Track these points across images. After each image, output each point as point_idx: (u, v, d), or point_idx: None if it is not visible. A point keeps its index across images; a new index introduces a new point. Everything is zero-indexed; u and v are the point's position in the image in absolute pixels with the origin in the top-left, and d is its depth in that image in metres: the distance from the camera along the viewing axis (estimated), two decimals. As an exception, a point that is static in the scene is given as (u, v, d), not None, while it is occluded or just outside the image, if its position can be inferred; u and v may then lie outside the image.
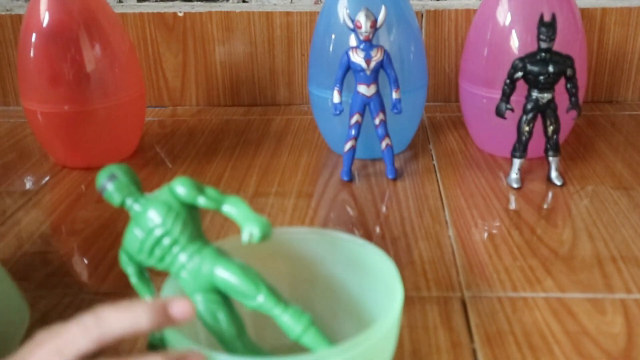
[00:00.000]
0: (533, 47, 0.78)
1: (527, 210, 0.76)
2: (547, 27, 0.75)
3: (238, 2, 1.18)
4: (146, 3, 1.19)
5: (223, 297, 0.45)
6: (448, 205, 0.78)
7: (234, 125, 1.06)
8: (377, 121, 0.82)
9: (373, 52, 0.79)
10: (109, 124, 0.88)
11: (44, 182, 0.88)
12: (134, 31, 1.13)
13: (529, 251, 0.68)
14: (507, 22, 0.86)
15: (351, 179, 0.85)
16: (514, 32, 0.85)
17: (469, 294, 0.61)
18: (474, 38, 0.91)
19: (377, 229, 0.73)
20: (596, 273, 0.63)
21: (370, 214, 0.76)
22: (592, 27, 1.10)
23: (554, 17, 0.76)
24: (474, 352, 0.53)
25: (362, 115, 0.82)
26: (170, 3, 1.18)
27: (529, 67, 0.77)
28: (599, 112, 1.09)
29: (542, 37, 0.76)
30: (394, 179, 0.84)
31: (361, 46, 0.79)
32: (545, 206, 0.78)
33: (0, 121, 1.12)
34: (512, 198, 0.79)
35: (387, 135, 0.83)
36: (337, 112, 0.81)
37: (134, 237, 0.45)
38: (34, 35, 0.84)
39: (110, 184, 0.46)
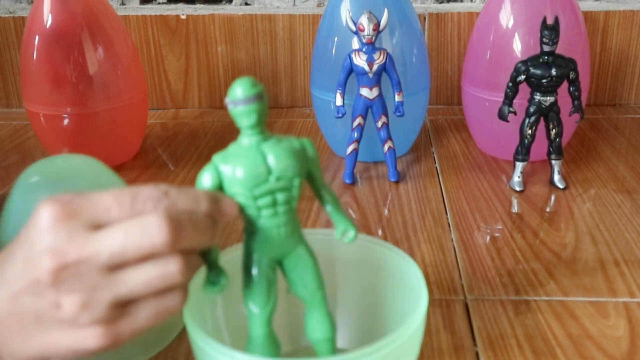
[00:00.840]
0: (536, 50, 0.78)
1: (529, 213, 0.76)
2: (550, 31, 0.75)
3: (241, 4, 1.18)
4: (149, 6, 1.19)
5: (276, 274, 0.44)
6: (450, 208, 0.78)
7: (236, 127, 1.05)
8: (379, 124, 0.82)
9: (376, 55, 0.79)
10: (112, 126, 0.88)
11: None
12: (136, 34, 1.14)
13: (532, 254, 0.67)
14: (510, 25, 0.86)
15: (353, 182, 0.85)
16: (516, 35, 0.85)
17: (471, 297, 0.61)
18: (476, 41, 0.91)
19: (380, 232, 0.73)
20: (599, 276, 0.63)
21: (372, 217, 0.76)
22: (595, 30, 1.10)
23: (556, 20, 0.76)
24: (476, 355, 0.53)
25: (364, 118, 0.82)
26: (173, 6, 1.18)
27: (532, 70, 0.77)
28: (602, 115, 1.09)
29: (545, 40, 0.76)
30: (397, 182, 0.84)
31: (364, 49, 0.79)
32: (548, 209, 0.77)
33: (2, 123, 1.12)
34: (515, 201, 0.79)
35: (389, 138, 0.83)
36: (340, 115, 0.81)
37: (253, 168, 0.40)
38: (36, 38, 0.84)
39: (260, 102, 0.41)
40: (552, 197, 0.80)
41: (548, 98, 0.78)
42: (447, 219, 0.75)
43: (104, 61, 0.86)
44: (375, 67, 0.79)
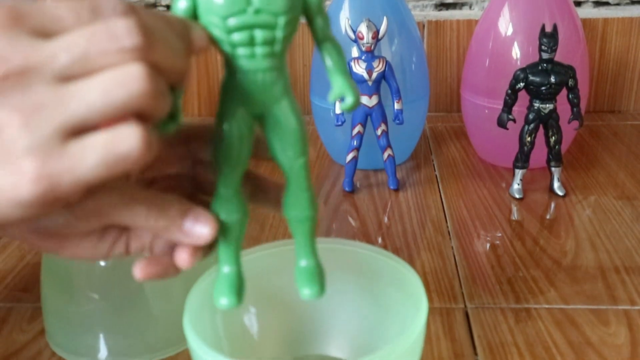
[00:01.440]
0: (535, 58, 0.78)
1: (529, 220, 0.76)
2: (549, 38, 0.75)
3: None
4: None
5: (252, 133, 0.38)
6: (450, 215, 0.78)
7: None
8: (379, 132, 0.82)
9: (375, 63, 0.79)
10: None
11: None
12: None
13: (532, 262, 0.67)
14: (509, 33, 0.86)
15: (353, 190, 0.85)
16: (515, 43, 0.85)
17: (471, 305, 0.61)
18: (475, 48, 0.91)
19: (380, 240, 0.73)
20: (600, 284, 0.63)
21: (372, 225, 0.76)
22: (593, 37, 1.10)
23: (555, 28, 0.76)
24: (477, 364, 0.53)
25: (364, 126, 0.82)
26: None
27: (531, 77, 0.77)
28: (601, 122, 1.09)
29: (543, 47, 0.76)
30: (396, 190, 0.84)
31: (363, 57, 0.80)
32: (547, 216, 0.77)
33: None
34: (515, 208, 0.79)
35: (389, 145, 0.83)
36: (339, 123, 0.81)
37: None
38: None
39: None
40: (552, 204, 0.80)
41: (547, 105, 0.78)
42: (447, 226, 0.75)
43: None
44: (374, 75, 0.79)
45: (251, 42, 0.35)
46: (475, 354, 0.54)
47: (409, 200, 0.82)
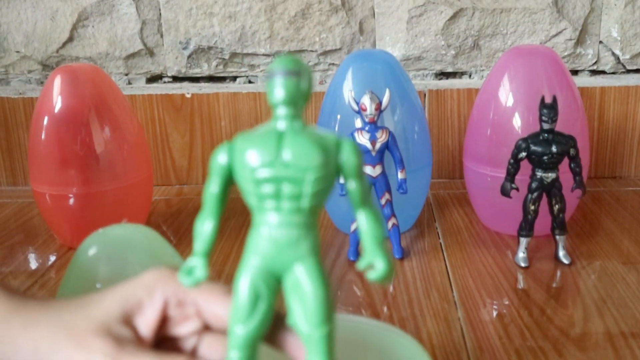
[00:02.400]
0: (535, 127, 0.79)
1: (535, 289, 0.76)
2: (549, 109, 0.77)
3: (244, 83, 1.21)
4: (155, 85, 1.22)
5: (274, 294, 0.36)
6: (456, 284, 0.78)
7: (239, 204, 1.06)
8: (383, 201, 0.83)
9: (378, 134, 0.80)
10: (117, 205, 0.89)
11: (50, 263, 0.88)
12: (142, 112, 1.16)
13: (539, 332, 0.67)
14: (509, 103, 0.87)
15: (357, 259, 0.85)
16: (516, 113, 0.87)
17: (480, 378, 0.60)
18: (476, 118, 0.92)
19: (385, 310, 0.72)
20: (609, 353, 0.63)
21: (377, 295, 0.76)
22: (592, 105, 1.12)
23: (555, 99, 0.77)
24: None
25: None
26: (179, 84, 1.21)
27: (533, 147, 0.78)
28: (603, 188, 1.10)
29: (544, 118, 0.77)
30: (401, 259, 0.84)
31: (366, 128, 0.81)
32: (554, 285, 0.77)
33: (8, 202, 1.13)
34: (520, 277, 0.79)
35: (393, 214, 0.83)
36: (343, 193, 0.82)
37: (262, 146, 0.35)
38: (45, 119, 0.86)
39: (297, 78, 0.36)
40: (558, 273, 0.80)
41: (550, 174, 0.79)
42: (453, 296, 0.75)
43: (110, 141, 0.87)
44: (378, 145, 0.80)
45: (278, 196, 0.35)
46: None
47: (414, 269, 0.82)
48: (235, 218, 1.00)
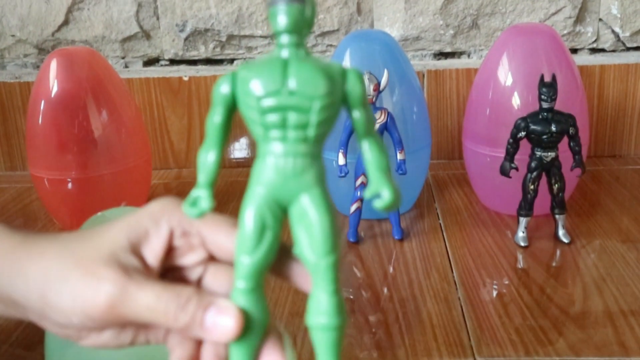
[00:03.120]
0: (535, 106, 0.79)
1: (535, 268, 0.76)
2: (548, 88, 0.76)
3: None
4: (152, 68, 1.21)
5: (279, 223, 0.36)
6: (456, 265, 0.78)
7: (239, 187, 1.06)
8: (382, 182, 0.83)
9: (377, 115, 0.80)
10: (116, 189, 0.89)
11: (50, 248, 0.88)
12: (139, 96, 1.15)
13: (540, 311, 0.67)
14: (508, 82, 0.87)
15: (358, 240, 0.85)
16: (515, 92, 0.86)
17: (480, 357, 0.60)
18: (475, 98, 0.92)
19: (385, 290, 0.73)
20: (609, 331, 0.63)
21: (377, 276, 0.76)
22: (591, 83, 1.12)
23: (554, 78, 0.77)
24: (488, 418, 0.52)
25: (367, 176, 0.83)
26: (176, 67, 1.20)
27: (532, 126, 0.77)
28: (603, 167, 1.10)
29: (543, 97, 0.77)
30: (401, 240, 0.84)
31: (365, 109, 0.80)
32: (553, 264, 0.77)
33: (7, 187, 1.13)
34: (520, 257, 0.79)
35: (392, 195, 0.83)
36: (343, 174, 0.82)
37: (267, 74, 0.34)
38: (42, 103, 0.85)
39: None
40: (558, 252, 0.80)
41: (549, 153, 0.78)
42: (453, 276, 0.75)
43: (108, 125, 0.87)
44: (376, 126, 0.80)
45: (283, 125, 0.34)
46: (487, 408, 0.53)
47: (413, 250, 0.82)
48: (235, 201, 1.00)
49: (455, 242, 0.83)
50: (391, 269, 0.77)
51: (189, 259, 0.39)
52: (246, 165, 1.17)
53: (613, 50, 1.18)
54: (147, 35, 1.20)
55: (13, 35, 1.21)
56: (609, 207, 0.93)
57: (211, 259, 0.40)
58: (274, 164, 0.35)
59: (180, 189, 1.08)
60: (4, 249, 0.39)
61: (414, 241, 0.84)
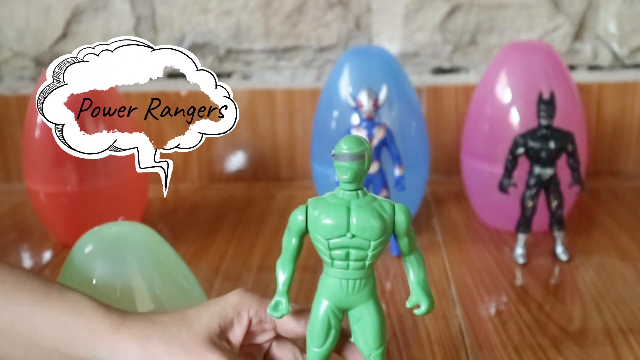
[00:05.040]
0: (533, 123, 0.79)
1: (534, 286, 0.75)
2: (547, 105, 0.76)
3: (240, 79, 1.20)
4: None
5: (340, 322, 0.47)
6: (454, 281, 0.77)
7: (235, 201, 1.06)
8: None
9: (375, 130, 0.80)
10: (112, 203, 0.88)
11: (45, 261, 0.87)
12: (137, 109, 1.15)
13: (538, 329, 0.66)
14: (507, 99, 0.87)
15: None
16: (513, 109, 0.86)
17: (479, 376, 0.59)
18: (474, 114, 0.92)
19: (384, 307, 0.72)
20: (608, 349, 0.62)
21: (375, 292, 0.75)
22: (589, 100, 1.12)
23: (552, 95, 0.77)
24: None
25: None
26: (174, 81, 1.20)
27: (530, 143, 0.77)
28: (601, 184, 1.10)
29: (542, 114, 0.77)
30: (399, 256, 0.84)
31: (363, 124, 0.80)
32: (552, 281, 0.77)
33: (1, 200, 1.12)
34: (519, 274, 0.78)
35: (390, 211, 0.83)
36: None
37: (334, 220, 0.44)
38: (39, 116, 0.84)
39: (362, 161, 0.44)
40: (556, 269, 0.79)
41: (547, 170, 0.78)
42: (452, 293, 0.75)
43: (105, 138, 0.86)
44: (375, 142, 0.80)
45: (346, 258, 0.44)
46: None
47: (411, 266, 0.81)
48: (230, 216, 0.99)
49: (454, 259, 0.83)
50: (389, 285, 0.77)
51: (261, 339, 0.50)
52: (241, 179, 1.17)
53: (611, 68, 1.19)
54: (145, 49, 1.20)
55: (10, 48, 1.20)
56: (608, 224, 0.92)
57: (277, 335, 0.50)
58: (338, 284, 0.45)
59: (177, 204, 1.07)
60: (104, 328, 0.45)
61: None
